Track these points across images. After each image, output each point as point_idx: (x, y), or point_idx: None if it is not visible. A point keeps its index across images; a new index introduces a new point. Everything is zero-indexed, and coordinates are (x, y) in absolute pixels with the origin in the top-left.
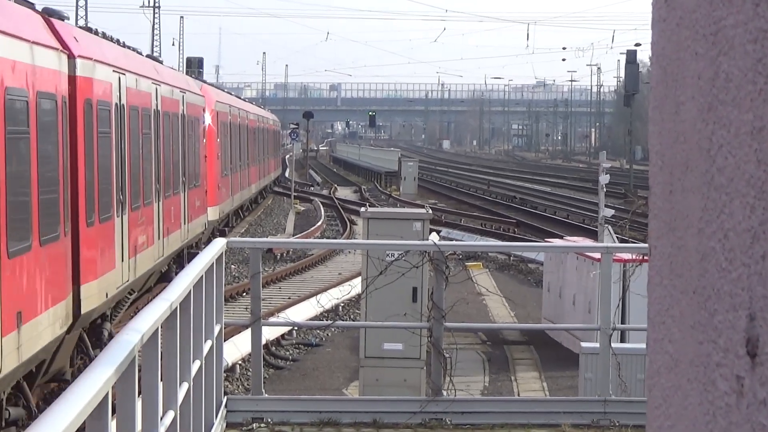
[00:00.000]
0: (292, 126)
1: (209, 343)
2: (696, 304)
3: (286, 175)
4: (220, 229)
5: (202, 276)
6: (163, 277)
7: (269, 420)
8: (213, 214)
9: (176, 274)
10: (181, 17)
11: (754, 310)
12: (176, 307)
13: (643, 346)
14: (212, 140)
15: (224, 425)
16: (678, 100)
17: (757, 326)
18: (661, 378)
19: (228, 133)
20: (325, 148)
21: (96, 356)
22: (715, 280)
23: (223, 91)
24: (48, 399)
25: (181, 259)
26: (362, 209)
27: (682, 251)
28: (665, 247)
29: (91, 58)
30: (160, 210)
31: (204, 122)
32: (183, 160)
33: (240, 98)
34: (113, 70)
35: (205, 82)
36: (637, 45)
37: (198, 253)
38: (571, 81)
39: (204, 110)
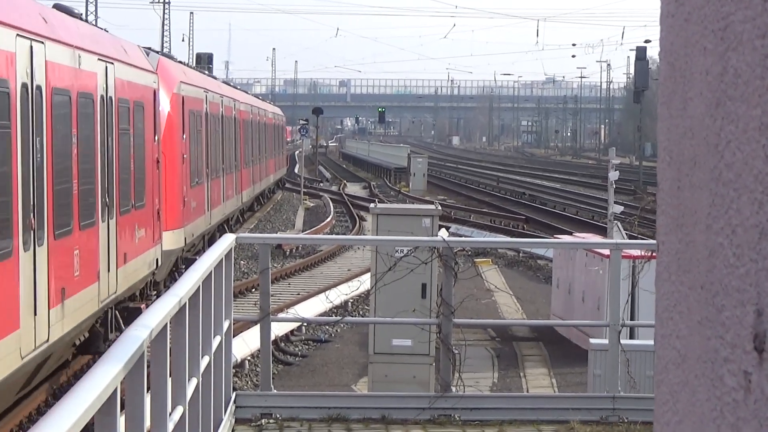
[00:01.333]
0: (302, 122)
1: (218, 338)
2: (704, 299)
3: (296, 171)
4: (190, 258)
5: (211, 272)
6: (85, 346)
7: (278, 416)
8: (173, 240)
9: (103, 346)
10: (191, 13)
11: (762, 306)
12: (185, 303)
13: (652, 342)
14: (173, 136)
15: (233, 421)
16: (686, 95)
17: (765, 322)
18: (669, 374)
19: (203, 127)
20: (334, 144)
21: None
22: (723, 275)
23: (197, 70)
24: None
25: (119, 313)
26: (371, 205)
27: (690, 247)
28: (673, 243)
29: None
30: (39, 261)
31: (158, 110)
32: (107, 170)
33: (230, 85)
34: None
35: (165, 55)
36: (647, 41)
37: (140, 309)
38: (581, 77)
39: (156, 93)
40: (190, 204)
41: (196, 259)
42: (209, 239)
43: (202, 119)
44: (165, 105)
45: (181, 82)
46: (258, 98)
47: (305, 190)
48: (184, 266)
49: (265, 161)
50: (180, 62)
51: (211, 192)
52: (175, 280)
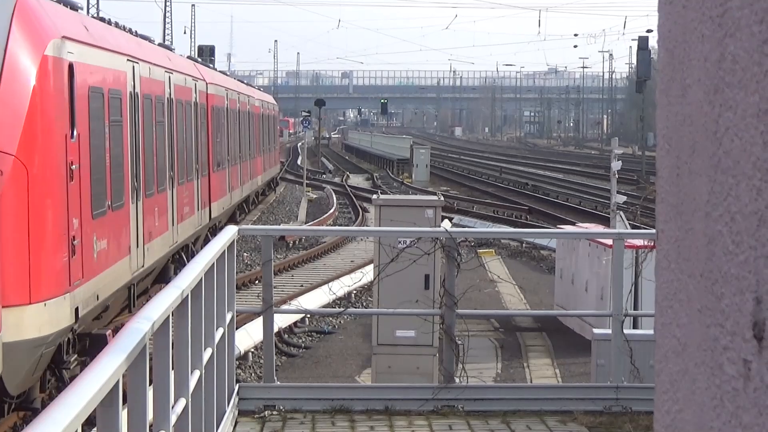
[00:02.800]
0: (305, 114)
1: (221, 330)
2: (703, 287)
3: (299, 163)
4: (96, 334)
5: (213, 263)
6: None
7: (281, 407)
8: (43, 320)
9: None
10: (193, 5)
11: (761, 294)
12: (187, 295)
13: None
14: (47, 133)
15: (236, 413)
16: (684, 82)
17: (764, 309)
18: (669, 362)
19: (126, 118)
20: (337, 135)
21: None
22: (722, 263)
23: (125, 31)
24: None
25: None
26: (374, 196)
27: (689, 235)
28: (672, 231)
29: None
30: None
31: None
32: None
33: (193, 59)
34: None
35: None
36: (649, 31)
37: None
38: (583, 68)
39: None
40: (90, 246)
41: (104, 335)
42: (155, 280)
43: (123, 105)
44: (24, 77)
45: (64, 38)
46: (243, 83)
47: (308, 181)
48: (77, 354)
49: (250, 160)
50: (102, 20)
51: (147, 216)
52: (64, 382)
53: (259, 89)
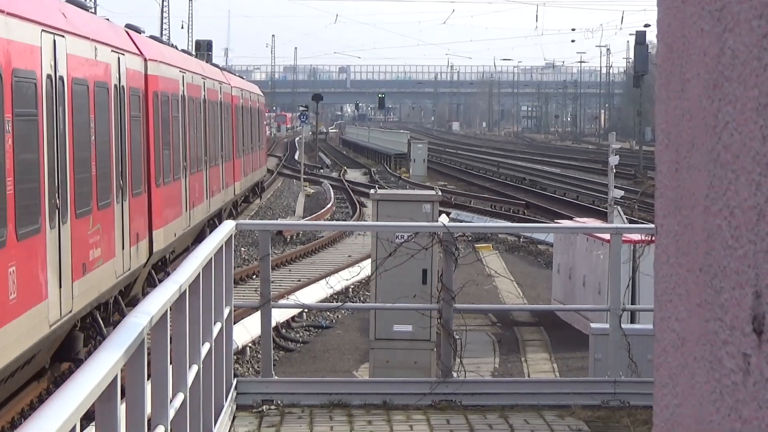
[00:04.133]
0: (302, 109)
1: (219, 325)
2: (702, 282)
3: (296, 157)
4: None
5: (211, 258)
6: None
7: (279, 402)
8: None
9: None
10: (190, 0)
11: (760, 288)
12: (185, 290)
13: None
14: None
15: (234, 407)
16: (684, 77)
17: (763, 303)
18: (668, 357)
19: None
20: (334, 130)
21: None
22: (722, 257)
23: None
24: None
25: None
26: (372, 191)
27: (688, 229)
28: (672, 226)
29: None
30: None
31: None
32: None
33: (130, 27)
34: None
35: None
36: (647, 26)
37: None
38: (581, 62)
39: None
40: None
41: None
42: (56, 356)
43: None
44: None
45: None
46: (218, 67)
47: (305, 176)
48: None
49: (223, 164)
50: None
51: None
52: None
53: (240, 77)
